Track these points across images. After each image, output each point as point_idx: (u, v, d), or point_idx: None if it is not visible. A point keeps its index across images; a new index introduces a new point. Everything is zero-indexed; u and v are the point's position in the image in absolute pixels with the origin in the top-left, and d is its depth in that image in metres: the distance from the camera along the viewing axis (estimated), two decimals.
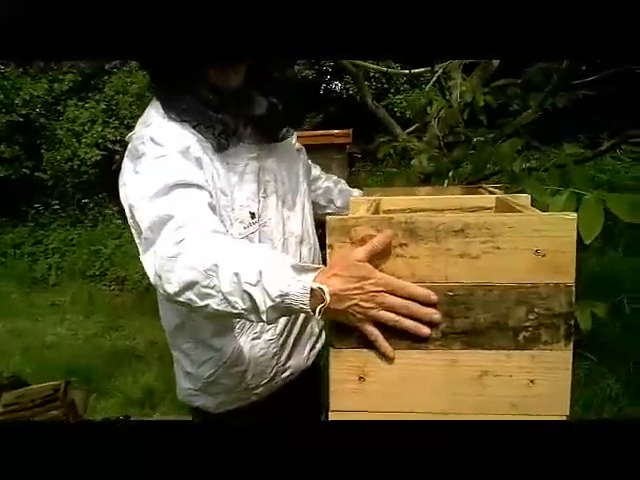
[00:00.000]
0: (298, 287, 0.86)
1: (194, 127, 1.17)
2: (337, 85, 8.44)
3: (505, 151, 1.51)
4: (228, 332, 1.26)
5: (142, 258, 1.08)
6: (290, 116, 1.33)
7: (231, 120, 1.19)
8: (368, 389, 0.86)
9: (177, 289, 0.97)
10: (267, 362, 1.31)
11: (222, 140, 1.18)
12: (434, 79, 2.26)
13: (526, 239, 0.81)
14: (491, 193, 1.23)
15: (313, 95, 8.21)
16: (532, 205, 1.12)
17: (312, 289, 0.84)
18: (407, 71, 2.28)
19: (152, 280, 1.04)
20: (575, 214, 0.80)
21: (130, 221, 1.14)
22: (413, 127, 2.34)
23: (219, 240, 1.01)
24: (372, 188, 1.39)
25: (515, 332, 0.83)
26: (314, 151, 1.72)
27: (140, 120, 1.22)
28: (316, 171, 1.63)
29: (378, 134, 2.36)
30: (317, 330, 1.44)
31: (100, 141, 6.85)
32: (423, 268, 0.84)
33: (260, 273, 0.89)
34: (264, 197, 1.27)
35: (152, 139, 1.13)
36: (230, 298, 0.92)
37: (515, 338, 0.83)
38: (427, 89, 2.19)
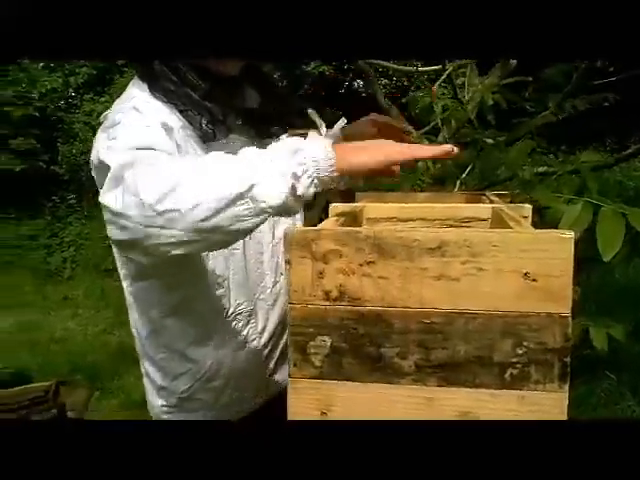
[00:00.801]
0: (317, 139, 0.88)
1: (180, 112, 1.06)
2: (359, 82, 8.30)
3: (515, 155, 1.38)
4: (208, 341, 1.15)
5: (103, 198, 0.91)
6: (283, 114, 1.23)
7: (219, 110, 1.08)
8: None
9: (162, 191, 0.82)
10: (250, 376, 1.20)
11: (209, 130, 1.07)
12: (444, 77, 2.14)
13: (513, 260, 0.69)
14: (491, 202, 1.11)
15: (333, 92, 8.09)
16: (540, 216, 1.00)
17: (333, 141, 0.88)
18: (414, 68, 2.16)
19: (119, 208, 0.86)
20: (572, 232, 0.68)
21: (97, 182, 1.00)
22: (428, 127, 2.21)
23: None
24: (365, 193, 1.27)
25: (501, 368, 0.71)
26: None
27: (118, 99, 1.11)
28: None
29: None
30: None
31: None
32: (394, 290, 0.72)
33: (272, 146, 0.88)
34: None
35: (135, 108, 1.02)
36: (240, 172, 0.83)
37: (501, 375, 0.71)
38: (436, 86, 2.06)
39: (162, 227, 0.84)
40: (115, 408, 3.25)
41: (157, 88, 1.07)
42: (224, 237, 0.87)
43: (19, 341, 4.44)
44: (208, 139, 1.08)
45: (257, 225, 0.85)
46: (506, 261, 0.69)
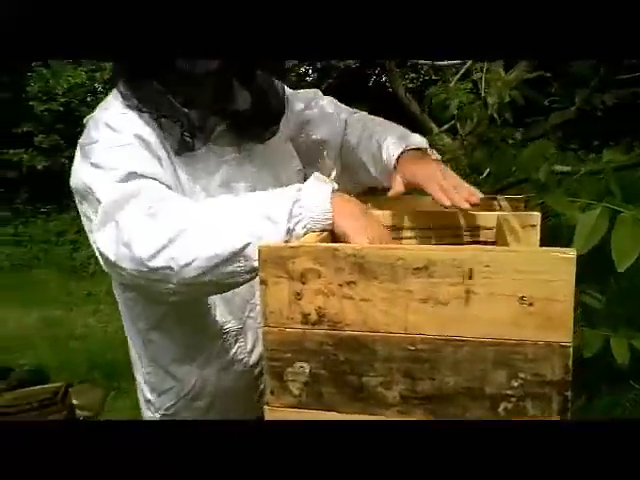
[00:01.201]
0: (318, 186, 0.85)
1: (155, 120, 0.99)
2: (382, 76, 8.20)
3: (528, 156, 1.30)
4: (192, 359, 1.10)
5: (95, 236, 0.91)
6: (279, 112, 1.12)
7: (200, 115, 1.00)
8: None
9: (155, 249, 0.82)
10: (238, 397, 1.14)
11: (186, 139, 0.99)
12: (462, 71, 2.05)
13: (508, 282, 0.62)
14: (501, 208, 1.04)
15: (360, 87, 8.00)
16: (546, 223, 0.93)
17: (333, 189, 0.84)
18: (429, 61, 2.08)
19: (111, 255, 0.87)
20: (574, 251, 0.60)
21: (80, 207, 0.98)
22: (447, 125, 2.14)
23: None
24: (369, 197, 1.19)
25: (493, 402, 0.64)
26: None
27: (99, 105, 1.05)
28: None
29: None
30: None
31: None
32: (377, 314, 0.66)
33: (269, 193, 0.86)
34: None
35: (108, 125, 0.97)
36: (234, 228, 0.81)
37: (494, 409, 0.64)
38: (453, 82, 1.98)
39: (156, 281, 0.86)
40: (129, 408, 3.24)
41: (130, 93, 1.00)
42: (217, 289, 0.92)
43: (40, 337, 4.49)
44: (183, 150, 1.00)
45: (250, 280, 0.84)
46: (500, 283, 0.62)
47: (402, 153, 1.01)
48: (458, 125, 1.65)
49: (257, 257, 0.78)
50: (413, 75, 7.87)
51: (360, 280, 0.65)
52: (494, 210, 1.12)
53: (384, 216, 0.97)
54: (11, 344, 4.38)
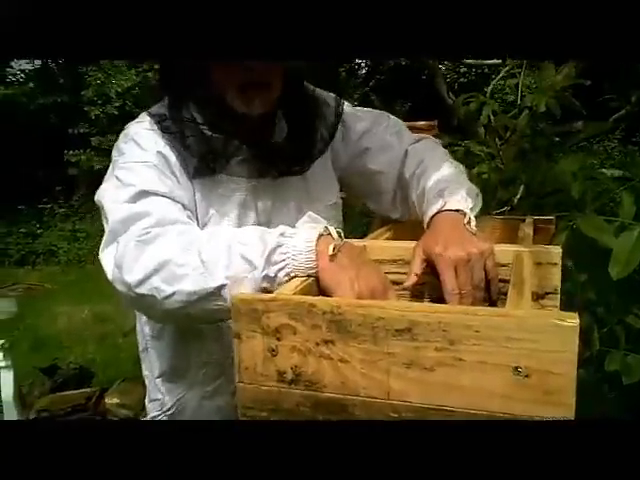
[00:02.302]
0: (305, 229, 0.80)
1: (178, 139, 0.98)
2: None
3: (561, 170, 1.20)
4: (176, 379, 1.08)
5: (101, 254, 0.92)
6: (315, 148, 1.05)
7: (223, 142, 0.98)
8: None
9: (140, 276, 0.82)
10: None
11: (206, 162, 0.97)
12: (498, 78, 1.94)
13: (501, 351, 0.54)
14: (524, 236, 0.95)
15: (401, 81, 7.84)
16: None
17: (320, 234, 0.78)
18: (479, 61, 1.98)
19: (109, 275, 0.88)
20: (576, 318, 0.52)
21: (103, 220, 0.98)
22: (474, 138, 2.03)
23: (199, 230, 0.91)
24: (385, 228, 1.09)
25: None
26: None
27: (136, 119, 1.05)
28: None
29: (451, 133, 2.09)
30: None
31: None
32: (356, 376, 0.60)
33: (255, 231, 0.82)
34: None
35: (134, 140, 0.98)
36: (212, 267, 0.79)
37: None
38: (490, 89, 1.87)
39: (143, 306, 0.89)
40: None
41: (159, 113, 1.00)
42: (204, 321, 0.93)
43: (90, 333, 4.61)
44: (201, 174, 0.98)
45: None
46: (491, 352, 0.55)
47: (438, 212, 0.91)
48: (487, 137, 1.54)
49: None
50: (464, 69, 7.66)
51: (338, 339, 0.60)
52: (517, 236, 1.03)
53: (392, 249, 0.90)
54: (62, 340, 4.53)
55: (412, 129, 1.34)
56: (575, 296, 1.36)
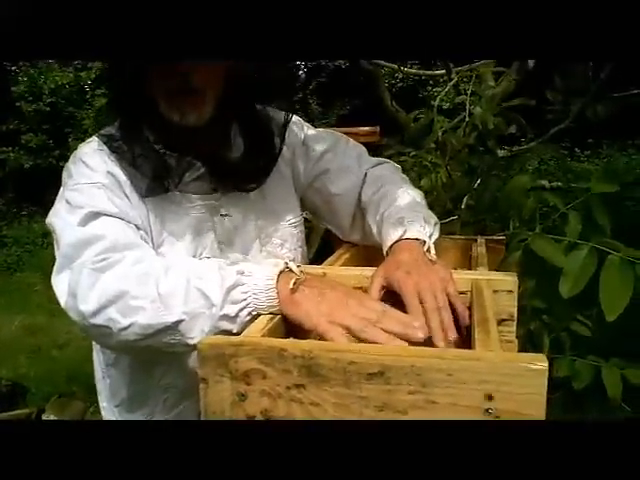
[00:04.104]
0: (264, 266, 0.78)
1: (128, 158, 0.96)
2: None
3: (510, 191, 1.23)
4: (136, 407, 1.05)
5: (54, 280, 0.89)
6: (270, 165, 1.04)
7: (176, 159, 0.97)
8: None
9: (95, 306, 0.80)
10: None
11: (156, 181, 0.95)
12: (446, 89, 1.99)
13: (472, 393, 0.55)
14: (477, 259, 0.98)
15: (341, 83, 7.90)
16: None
17: (281, 271, 0.76)
18: (420, 71, 2.01)
19: (63, 303, 0.86)
20: (545, 361, 0.54)
21: (55, 244, 0.96)
22: (422, 151, 2.07)
23: (156, 259, 0.87)
24: (342, 250, 1.09)
25: None
26: None
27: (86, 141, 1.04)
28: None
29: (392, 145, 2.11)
30: None
31: None
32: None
33: (214, 266, 0.79)
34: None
35: (83, 161, 0.97)
36: (169, 301, 0.77)
37: None
38: (436, 102, 1.91)
39: (98, 336, 0.87)
40: None
41: (109, 133, 1.00)
42: (161, 353, 0.87)
43: (22, 345, 4.41)
44: (152, 192, 0.96)
45: (192, 351, 0.77)
46: (463, 394, 0.55)
47: (398, 240, 0.90)
48: (436, 152, 1.58)
49: (192, 335, 0.76)
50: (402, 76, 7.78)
51: (309, 383, 0.59)
52: (470, 256, 1.06)
53: (350, 277, 0.89)
54: None
55: (354, 135, 1.34)
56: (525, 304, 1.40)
